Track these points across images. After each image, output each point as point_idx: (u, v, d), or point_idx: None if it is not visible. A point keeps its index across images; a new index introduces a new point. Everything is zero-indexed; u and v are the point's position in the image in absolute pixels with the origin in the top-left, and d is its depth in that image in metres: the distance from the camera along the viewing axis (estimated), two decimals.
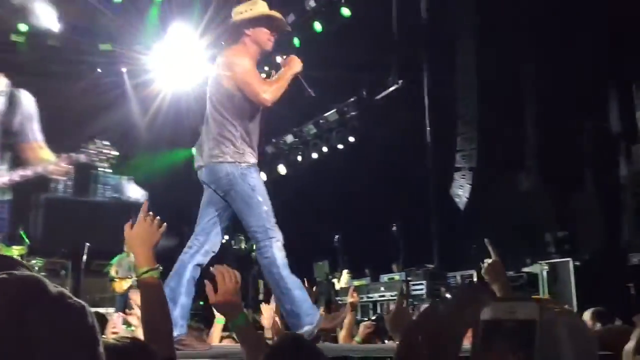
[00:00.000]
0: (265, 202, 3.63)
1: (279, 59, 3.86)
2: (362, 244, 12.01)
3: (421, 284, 9.15)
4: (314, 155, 13.55)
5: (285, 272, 3.56)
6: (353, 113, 12.55)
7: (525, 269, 8.83)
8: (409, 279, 9.43)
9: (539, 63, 10.34)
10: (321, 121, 13.24)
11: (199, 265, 3.60)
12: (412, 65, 14.15)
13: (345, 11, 11.36)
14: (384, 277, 10.85)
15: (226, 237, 14.88)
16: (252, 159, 3.67)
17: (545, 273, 8.00)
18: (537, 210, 11.38)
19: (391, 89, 13.43)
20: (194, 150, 3.82)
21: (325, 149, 13.13)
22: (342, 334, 4.63)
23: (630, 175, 10.91)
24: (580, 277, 7.66)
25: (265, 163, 14.85)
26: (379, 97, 13.17)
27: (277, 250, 3.55)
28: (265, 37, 3.78)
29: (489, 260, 2.29)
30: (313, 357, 1.53)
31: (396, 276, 10.06)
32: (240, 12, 3.75)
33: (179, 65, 11.45)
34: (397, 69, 13.90)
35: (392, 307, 2.43)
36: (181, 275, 3.51)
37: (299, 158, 13.87)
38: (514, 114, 10.62)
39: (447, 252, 13.09)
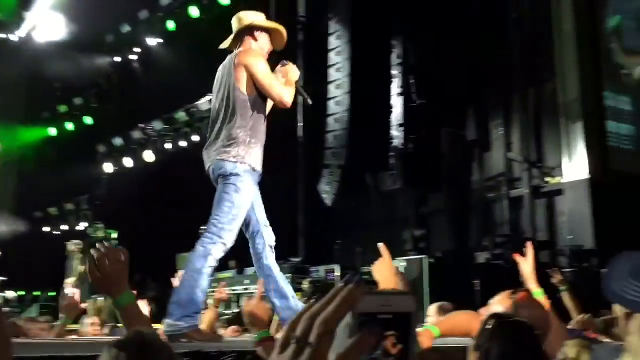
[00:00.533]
0: (240, 208, 3.63)
1: (279, 66, 3.88)
2: None
3: (286, 277, 9.25)
4: (183, 144, 13.20)
5: (207, 270, 3.49)
6: None
7: None
8: None
9: (406, 72, 10.87)
10: (193, 109, 12.93)
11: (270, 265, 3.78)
12: (287, 59, 14.26)
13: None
14: (249, 270, 10.83)
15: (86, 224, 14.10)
16: (255, 162, 3.72)
17: (402, 269, 8.43)
18: (398, 210, 11.98)
19: None
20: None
21: (196, 138, 12.83)
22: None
23: (481, 181, 11.85)
24: (433, 273, 8.14)
25: (130, 149, 14.23)
26: None
27: (216, 251, 3.53)
28: (268, 48, 3.89)
29: (380, 261, 2.38)
30: (159, 353, 1.50)
31: None
32: (252, 19, 3.79)
33: None
34: (272, 63, 13.94)
35: (251, 300, 2.44)
36: (270, 277, 3.71)
37: (168, 146, 13.44)
38: (381, 117, 11.07)
39: (312, 246, 13.37)
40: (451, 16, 10.85)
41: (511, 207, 11.12)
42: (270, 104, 3.86)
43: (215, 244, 3.53)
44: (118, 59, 14.75)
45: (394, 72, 10.98)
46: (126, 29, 13.89)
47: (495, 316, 1.81)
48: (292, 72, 3.83)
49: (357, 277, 0.75)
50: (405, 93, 10.64)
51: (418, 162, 10.57)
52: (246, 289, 9.26)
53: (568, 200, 10.10)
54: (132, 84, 14.47)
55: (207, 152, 3.79)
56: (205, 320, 4.22)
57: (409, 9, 10.97)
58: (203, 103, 12.68)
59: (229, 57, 3.82)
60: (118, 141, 14.41)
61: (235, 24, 3.85)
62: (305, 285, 8.52)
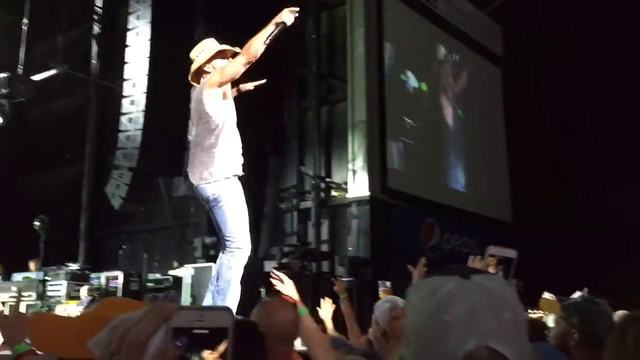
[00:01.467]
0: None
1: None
2: None
3: (60, 284, 8.52)
4: None
5: None
6: (3, 90, 11.09)
7: (172, 272, 9.02)
8: (46, 278, 8.68)
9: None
10: None
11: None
12: (81, 51, 13.31)
13: None
14: (18, 276, 9.77)
15: None
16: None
17: (190, 276, 8.29)
18: (189, 216, 11.79)
19: (53, 71, 12.36)
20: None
21: None
22: None
23: (272, 192, 12.22)
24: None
25: None
26: (36, 77, 11.96)
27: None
28: (218, 62, 4.14)
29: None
30: None
31: (32, 275, 9.16)
32: (196, 57, 4.12)
33: None
34: (63, 52, 12.88)
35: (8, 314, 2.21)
36: None
37: None
38: (178, 120, 10.81)
39: (95, 251, 12.53)
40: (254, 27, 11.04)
41: (299, 219, 11.63)
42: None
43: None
44: None
45: None
46: None
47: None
48: (281, 14, 3.97)
49: (172, 293, 0.73)
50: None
51: None
52: (11, 297, 8.32)
53: (350, 214, 10.86)
54: None
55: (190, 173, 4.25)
56: None
57: (213, 9, 10.93)
58: None
59: None
60: None
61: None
62: (83, 292, 7.94)
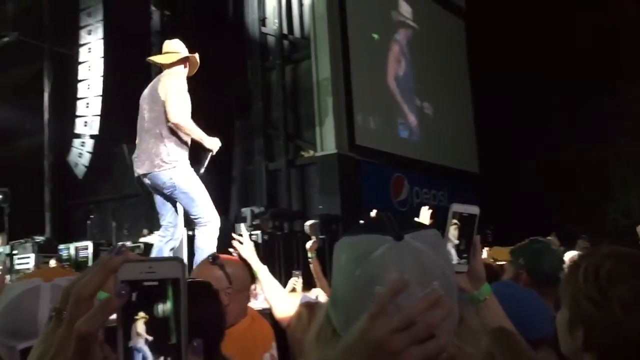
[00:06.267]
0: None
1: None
2: None
3: (28, 257, 8.40)
4: None
5: None
6: None
7: (142, 239, 8.96)
8: (14, 252, 8.54)
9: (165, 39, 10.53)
10: None
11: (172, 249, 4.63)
12: (33, 17, 12.79)
13: None
14: None
15: None
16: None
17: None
18: None
19: (5, 39, 11.89)
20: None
21: None
22: None
23: (239, 153, 12.14)
24: (191, 245, 8.11)
25: None
26: None
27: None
28: (186, 70, 4.56)
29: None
30: None
31: None
32: (173, 52, 4.46)
33: None
34: (13, 19, 12.37)
35: None
36: None
37: None
38: (138, 86, 10.57)
39: (61, 222, 12.34)
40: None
41: (269, 179, 11.60)
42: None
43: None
44: None
45: (153, 39, 10.55)
46: None
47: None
48: (213, 142, 4.55)
49: (120, 246, 0.71)
50: None
51: None
52: None
53: (319, 172, 10.86)
54: None
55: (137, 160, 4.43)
56: None
57: None
58: None
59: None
60: None
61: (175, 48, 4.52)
62: (52, 264, 7.83)
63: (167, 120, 4.21)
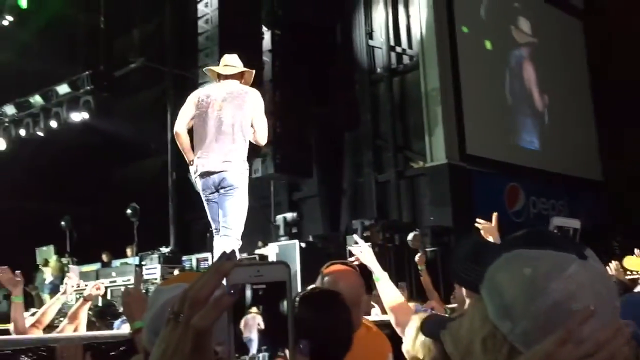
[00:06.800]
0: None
1: None
2: (94, 226, 11.32)
3: (155, 267, 8.97)
4: (39, 131, 12.26)
5: None
6: (88, 87, 11.66)
7: (257, 251, 9.26)
8: (143, 263, 9.17)
9: (275, 51, 10.90)
10: (49, 93, 12.04)
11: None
12: (156, 43, 13.74)
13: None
14: (116, 262, 10.38)
15: None
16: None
17: (275, 254, 8.48)
18: (269, 196, 12.03)
19: (132, 65, 12.85)
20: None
21: (54, 124, 11.98)
22: (66, 325, 4.23)
23: (349, 166, 12.24)
24: (304, 257, 8.29)
25: None
26: (118, 72, 12.49)
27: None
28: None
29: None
30: None
31: (129, 260, 9.70)
32: (231, 65, 4.73)
33: None
34: (139, 46, 13.34)
35: (129, 290, 2.35)
36: None
37: (22, 132, 12.42)
38: None
39: (184, 235, 13.06)
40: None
41: (379, 191, 11.61)
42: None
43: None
44: None
45: (265, 58, 10.98)
46: None
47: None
48: None
49: (231, 252, 0.77)
50: (276, 78, 10.66)
51: (289, 149, 10.66)
52: (113, 282, 8.85)
53: (429, 183, 10.71)
54: None
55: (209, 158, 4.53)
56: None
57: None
58: (61, 86, 11.86)
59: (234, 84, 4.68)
60: None
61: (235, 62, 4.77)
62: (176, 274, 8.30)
63: (246, 133, 4.46)
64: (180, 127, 4.56)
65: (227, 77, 4.70)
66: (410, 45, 11.64)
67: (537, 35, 12.60)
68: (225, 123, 4.45)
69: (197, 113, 4.55)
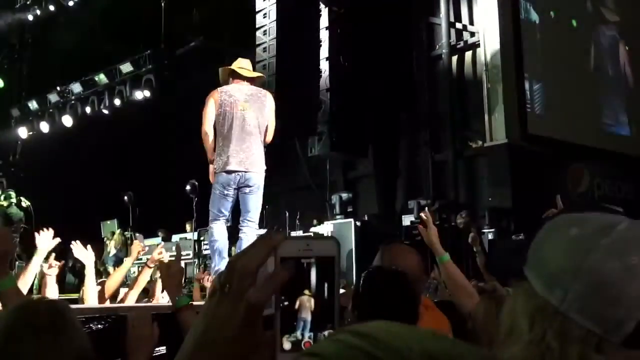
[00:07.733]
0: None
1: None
2: (155, 202, 11.65)
3: None
4: (104, 109, 12.68)
5: None
6: (149, 66, 11.94)
7: (313, 229, 9.34)
8: (201, 238, 9.40)
9: (334, 36, 10.82)
10: (113, 71, 12.40)
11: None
12: (215, 21, 13.87)
13: None
14: (176, 237, 10.68)
15: None
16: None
17: (330, 233, 8.53)
18: (326, 175, 12.05)
19: (192, 44, 13.05)
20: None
21: (117, 102, 12.35)
22: (128, 292, 4.41)
23: (405, 145, 12.10)
24: (360, 236, 8.31)
25: (46, 113, 13.54)
26: (179, 51, 12.71)
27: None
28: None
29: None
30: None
31: (188, 235, 9.96)
32: (249, 69, 5.18)
33: None
34: (198, 24, 13.51)
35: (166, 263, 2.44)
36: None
37: (88, 109, 12.87)
38: (309, 81, 11.01)
39: (239, 211, 13.26)
40: None
41: (435, 171, 11.44)
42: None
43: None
44: (31, 17, 13.86)
45: (322, 35, 10.91)
46: None
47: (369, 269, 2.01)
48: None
49: (279, 226, 0.77)
50: (333, 57, 10.60)
51: (345, 127, 10.62)
52: (172, 256, 9.12)
53: (489, 164, 10.47)
54: (48, 44, 13.68)
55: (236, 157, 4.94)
56: (138, 280, 4.21)
57: None
58: (125, 65, 12.18)
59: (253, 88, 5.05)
60: (33, 104, 13.67)
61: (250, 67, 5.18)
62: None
63: (264, 134, 4.93)
64: (209, 127, 4.95)
65: (244, 79, 5.06)
66: (471, 22, 11.33)
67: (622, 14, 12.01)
68: (249, 123, 4.86)
69: (220, 112, 4.85)
